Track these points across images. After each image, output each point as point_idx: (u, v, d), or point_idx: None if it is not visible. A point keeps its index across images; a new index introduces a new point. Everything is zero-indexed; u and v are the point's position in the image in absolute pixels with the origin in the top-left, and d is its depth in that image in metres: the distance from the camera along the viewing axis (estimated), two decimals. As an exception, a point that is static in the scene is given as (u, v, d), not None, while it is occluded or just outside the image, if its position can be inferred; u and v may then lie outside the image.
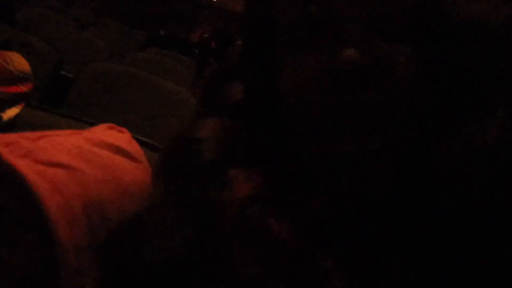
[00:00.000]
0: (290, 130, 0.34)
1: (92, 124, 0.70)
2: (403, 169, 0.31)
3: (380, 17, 0.30)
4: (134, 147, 0.66)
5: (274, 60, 0.35)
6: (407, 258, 0.31)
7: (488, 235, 0.29)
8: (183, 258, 0.33)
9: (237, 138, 0.37)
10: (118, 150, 0.61)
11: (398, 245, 0.31)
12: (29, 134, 0.58)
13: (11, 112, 0.69)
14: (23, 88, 0.73)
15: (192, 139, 0.37)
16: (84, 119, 0.76)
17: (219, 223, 0.33)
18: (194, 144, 0.37)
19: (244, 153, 0.36)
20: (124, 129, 0.69)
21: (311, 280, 0.31)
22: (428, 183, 0.31)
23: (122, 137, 0.66)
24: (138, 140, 0.70)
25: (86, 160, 0.57)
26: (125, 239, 0.38)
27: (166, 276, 0.34)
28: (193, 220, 0.34)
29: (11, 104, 0.70)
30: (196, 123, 0.38)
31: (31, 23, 2.80)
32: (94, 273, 0.51)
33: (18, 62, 0.73)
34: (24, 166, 0.50)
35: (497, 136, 0.30)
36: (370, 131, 0.30)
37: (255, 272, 0.32)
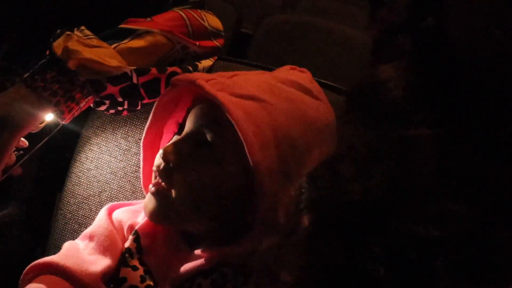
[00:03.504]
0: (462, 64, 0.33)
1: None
2: None
3: None
4: (315, 86, 0.68)
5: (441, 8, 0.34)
6: None
7: None
8: (380, 195, 0.34)
9: (416, 79, 0.36)
10: (300, 87, 0.65)
11: None
12: (224, 73, 0.67)
13: (206, 63, 0.77)
14: (216, 43, 0.80)
15: (376, 81, 0.38)
16: (268, 66, 0.81)
17: (416, 160, 0.33)
18: (379, 86, 0.37)
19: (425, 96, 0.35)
20: (305, 69, 0.72)
21: None
22: None
23: (304, 76, 0.69)
24: (318, 82, 0.72)
25: (274, 93, 0.62)
26: (324, 177, 0.38)
27: (364, 213, 0.35)
28: (389, 157, 0.34)
29: (206, 56, 0.78)
30: (375, 68, 0.39)
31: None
32: (286, 198, 0.56)
33: (212, 19, 0.80)
34: (222, 97, 0.57)
35: None
36: None
37: (456, 208, 0.31)
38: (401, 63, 0.38)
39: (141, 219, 0.68)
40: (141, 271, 0.63)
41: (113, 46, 0.70)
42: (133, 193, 0.79)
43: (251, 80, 0.64)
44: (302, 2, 2.64)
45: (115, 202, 0.73)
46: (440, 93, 0.35)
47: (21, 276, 0.62)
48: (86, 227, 0.78)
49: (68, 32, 0.69)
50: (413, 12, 0.39)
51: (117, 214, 0.70)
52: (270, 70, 0.75)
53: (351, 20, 2.18)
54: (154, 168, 0.62)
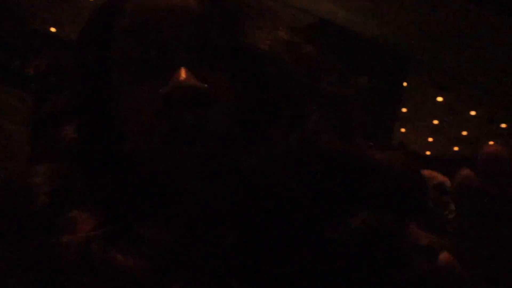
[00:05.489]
0: (130, 158, 0.35)
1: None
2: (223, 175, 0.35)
3: (201, 49, 0.35)
4: None
5: (109, 94, 0.36)
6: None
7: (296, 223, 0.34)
8: None
9: (73, 181, 0.36)
10: None
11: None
12: None
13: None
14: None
15: (24, 185, 0.36)
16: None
17: (62, 266, 0.32)
18: (26, 191, 0.35)
19: (83, 194, 0.36)
20: None
21: None
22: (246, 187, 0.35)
23: None
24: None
25: None
26: None
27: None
28: (33, 267, 0.33)
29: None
30: (28, 169, 0.37)
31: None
32: None
33: None
34: None
35: (298, 138, 0.34)
36: (199, 143, 0.34)
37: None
38: (53, 164, 0.37)
39: None
40: None
41: None
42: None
43: None
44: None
45: None
46: (95, 192, 0.36)
47: None
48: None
49: None
50: (76, 101, 0.39)
51: None
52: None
53: (12, 114, 1.98)
54: None
